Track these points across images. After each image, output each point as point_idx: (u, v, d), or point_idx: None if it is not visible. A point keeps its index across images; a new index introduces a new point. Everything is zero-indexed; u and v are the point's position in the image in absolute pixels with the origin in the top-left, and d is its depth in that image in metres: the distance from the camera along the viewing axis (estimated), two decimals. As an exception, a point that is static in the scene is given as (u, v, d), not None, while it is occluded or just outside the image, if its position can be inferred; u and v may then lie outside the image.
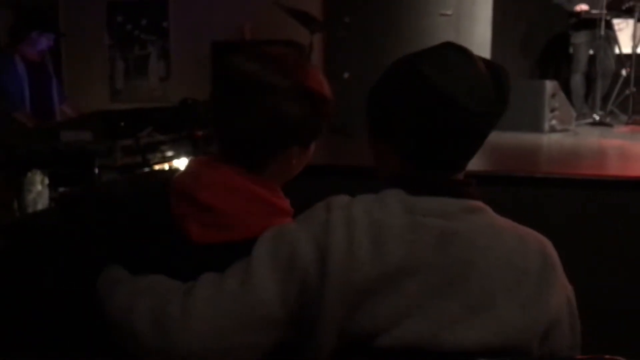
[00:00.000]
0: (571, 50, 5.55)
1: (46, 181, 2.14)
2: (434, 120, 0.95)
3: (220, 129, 1.11)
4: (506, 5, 5.57)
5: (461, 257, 0.92)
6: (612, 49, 5.38)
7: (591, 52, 5.45)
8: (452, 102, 0.93)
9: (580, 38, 5.43)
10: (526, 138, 4.09)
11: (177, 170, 1.46)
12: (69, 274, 1.12)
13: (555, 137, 4.24)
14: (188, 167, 1.14)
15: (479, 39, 5.48)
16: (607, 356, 0.88)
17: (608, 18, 5.23)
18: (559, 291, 0.97)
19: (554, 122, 4.46)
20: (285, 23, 4.88)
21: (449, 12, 5.44)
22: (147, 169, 2.94)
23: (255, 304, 0.90)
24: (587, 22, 5.29)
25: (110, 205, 1.27)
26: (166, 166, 3.18)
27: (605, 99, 5.28)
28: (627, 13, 5.28)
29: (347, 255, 0.89)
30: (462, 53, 0.99)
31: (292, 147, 1.08)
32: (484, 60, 1.00)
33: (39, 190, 2.11)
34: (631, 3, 5.20)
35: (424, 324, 0.90)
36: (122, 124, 2.84)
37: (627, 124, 5.04)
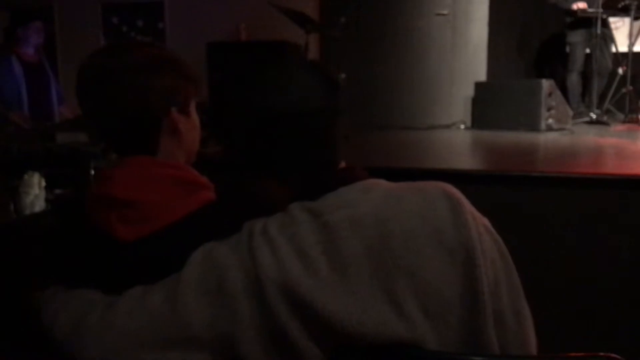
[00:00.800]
0: (567, 49, 5.56)
1: (43, 183, 2.13)
2: (290, 134, 1.01)
3: (98, 121, 1.15)
4: (502, 4, 5.59)
5: (378, 236, 0.93)
6: (609, 48, 5.39)
7: (587, 50, 5.46)
8: (291, 112, 1.00)
9: (576, 37, 5.44)
10: (523, 137, 4.09)
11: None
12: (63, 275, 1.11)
13: (552, 136, 4.25)
14: (97, 175, 1.15)
15: (475, 38, 5.50)
16: (602, 353, 0.88)
17: (604, 16, 5.24)
18: (474, 224, 0.97)
19: (550, 121, 4.47)
20: (281, 23, 4.89)
21: (445, 12, 5.45)
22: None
23: (181, 325, 0.91)
24: (583, 21, 5.30)
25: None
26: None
27: (601, 97, 5.29)
28: (623, 11, 5.28)
29: (280, 274, 0.90)
30: (281, 67, 1.05)
31: (171, 111, 1.13)
32: (308, 61, 1.07)
33: (36, 193, 2.10)
34: (627, 1, 5.21)
35: (389, 317, 0.90)
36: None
37: (623, 122, 5.05)
